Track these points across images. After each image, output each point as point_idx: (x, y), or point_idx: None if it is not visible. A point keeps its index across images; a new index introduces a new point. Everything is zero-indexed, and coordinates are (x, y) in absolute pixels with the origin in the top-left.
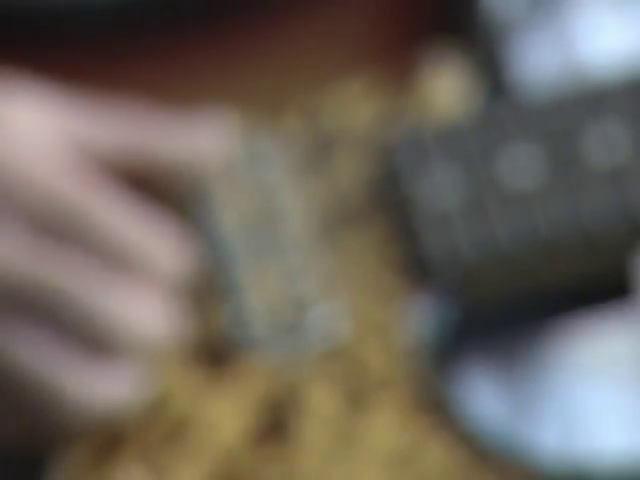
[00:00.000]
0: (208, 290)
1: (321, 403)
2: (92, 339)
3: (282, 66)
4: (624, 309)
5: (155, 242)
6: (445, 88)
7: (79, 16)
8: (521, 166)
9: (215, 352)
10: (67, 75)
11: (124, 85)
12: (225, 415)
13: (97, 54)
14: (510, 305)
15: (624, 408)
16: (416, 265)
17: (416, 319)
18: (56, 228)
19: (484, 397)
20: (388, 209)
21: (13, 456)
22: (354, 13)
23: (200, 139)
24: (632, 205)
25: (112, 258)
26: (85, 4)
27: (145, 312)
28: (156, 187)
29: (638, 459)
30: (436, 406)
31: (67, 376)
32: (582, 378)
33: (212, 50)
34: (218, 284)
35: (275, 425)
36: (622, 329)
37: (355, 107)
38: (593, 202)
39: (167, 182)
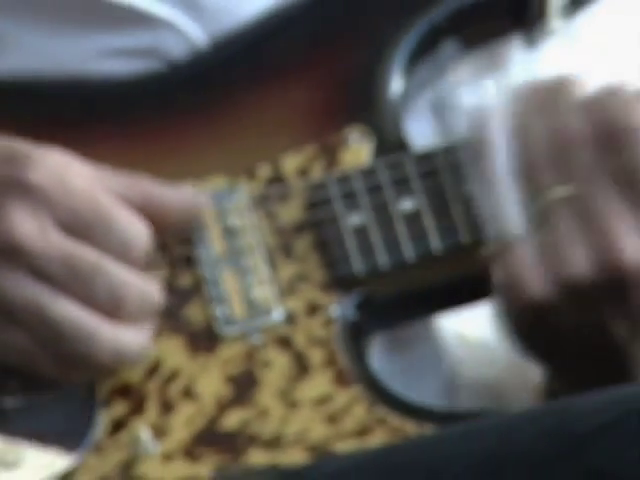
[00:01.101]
0: (199, 287)
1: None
2: (113, 305)
3: (244, 140)
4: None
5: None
6: (355, 152)
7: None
8: (407, 207)
9: (202, 331)
10: (90, 153)
11: (138, 151)
12: (205, 376)
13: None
14: (405, 298)
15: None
16: (343, 272)
17: (343, 310)
18: (86, 225)
19: (383, 362)
20: (319, 230)
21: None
22: (296, 104)
23: (191, 192)
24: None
25: (124, 247)
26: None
27: (141, 281)
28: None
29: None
30: (353, 368)
31: (94, 326)
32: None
33: (196, 131)
34: (206, 286)
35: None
36: (482, 316)
37: (294, 165)
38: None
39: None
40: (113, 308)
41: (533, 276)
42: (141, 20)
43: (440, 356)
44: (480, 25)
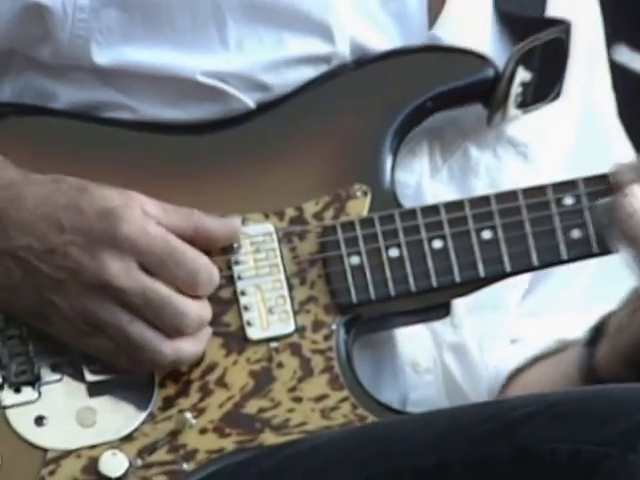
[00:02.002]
0: (235, 299)
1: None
2: (175, 328)
3: (277, 189)
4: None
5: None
6: (358, 204)
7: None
8: (393, 255)
9: (235, 335)
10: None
11: (198, 191)
12: (234, 370)
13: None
14: (382, 317)
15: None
16: (343, 300)
17: (339, 328)
18: (161, 263)
19: (361, 366)
20: (327, 264)
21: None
22: (317, 165)
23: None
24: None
25: (191, 278)
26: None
27: (199, 308)
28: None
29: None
30: (344, 374)
31: (158, 343)
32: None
33: (243, 179)
34: (240, 299)
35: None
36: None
37: (313, 211)
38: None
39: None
40: (176, 330)
41: None
42: (219, 96)
43: (396, 377)
44: (457, 105)
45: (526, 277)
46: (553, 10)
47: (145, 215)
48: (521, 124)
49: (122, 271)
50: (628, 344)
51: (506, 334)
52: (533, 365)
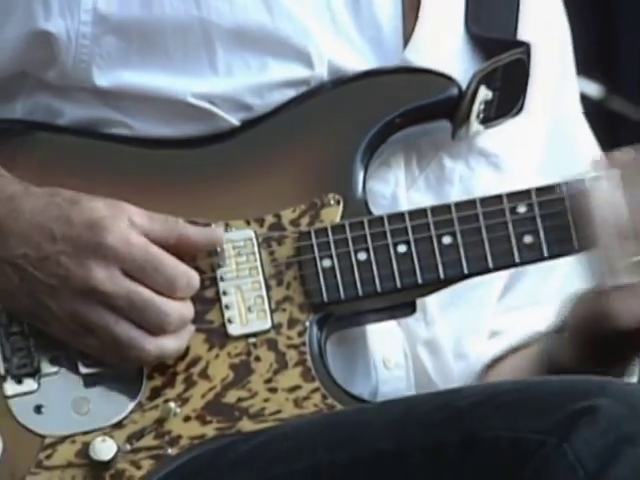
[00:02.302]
0: (217, 298)
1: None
2: (158, 326)
3: (258, 198)
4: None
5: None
6: (331, 212)
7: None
8: (361, 258)
9: (217, 331)
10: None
11: (184, 200)
12: (216, 363)
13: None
14: (352, 315)
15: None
16: (316, 300)
17: (312, 325)
18: (142, 270)
19: (335, 361)
20: (302, 267)
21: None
22: (293, 176)
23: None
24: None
25: (170, 284)
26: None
27: (181, 308)
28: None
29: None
30: (316, 368)
31: (142, 341)
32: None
33: (226, 189)
34: (222, 298)
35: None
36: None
37: (290, 218)
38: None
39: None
40: (159, 328)
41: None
42: (207, 116)
43: (368, 371)
44: (424, 121)
45: (504, 273)
46: (525, 32)
47: (130, 225)
48: (492, 136)
49: (107, 277)
50: (579, 342)
51: (485, 328)
52: (508, 356)
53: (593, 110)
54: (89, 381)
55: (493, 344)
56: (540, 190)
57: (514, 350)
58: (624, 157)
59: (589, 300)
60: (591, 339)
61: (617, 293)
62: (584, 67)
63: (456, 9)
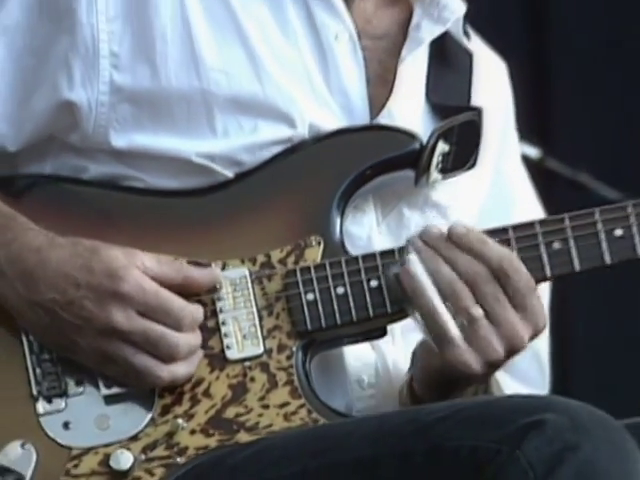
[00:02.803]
0: (218, 328)
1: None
2: (170, 356)
3: (251, 240)
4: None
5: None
6: (313, 252)
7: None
8: (340, 292)
9: (217, 355)
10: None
11: (188, 245)
12: (217, 384)
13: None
14: (332, 339)
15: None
16: (301, 329)
17: (298, 349)
18: (154, 311)
19: (318, 380)
20: (289, 300)
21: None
22: (281, 221)
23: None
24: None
25: (177, 321)
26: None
27: (189, 339)
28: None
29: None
30: (302, 386)
31: (157, 369)
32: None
33: (224, 232)
34: (222, 327)
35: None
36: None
37: (278, 257)
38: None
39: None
40: (170, 357)
41: (465, 357)
42: (208, 171)
43: (345, 390)
44: (391, 171)
45: None
46: (477, 99)
47: (142, 271)
48: (445, 190)
49: (124, 318)
50: (424, 377)
51: None
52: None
53: (532, 169)
54: (109, 401)
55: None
56: (384, 253)
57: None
58: (436, 232)
59: (426, 352)
60: (430, 381)
61: (447, 346)
62: (524, 132)
63: (419, 83)
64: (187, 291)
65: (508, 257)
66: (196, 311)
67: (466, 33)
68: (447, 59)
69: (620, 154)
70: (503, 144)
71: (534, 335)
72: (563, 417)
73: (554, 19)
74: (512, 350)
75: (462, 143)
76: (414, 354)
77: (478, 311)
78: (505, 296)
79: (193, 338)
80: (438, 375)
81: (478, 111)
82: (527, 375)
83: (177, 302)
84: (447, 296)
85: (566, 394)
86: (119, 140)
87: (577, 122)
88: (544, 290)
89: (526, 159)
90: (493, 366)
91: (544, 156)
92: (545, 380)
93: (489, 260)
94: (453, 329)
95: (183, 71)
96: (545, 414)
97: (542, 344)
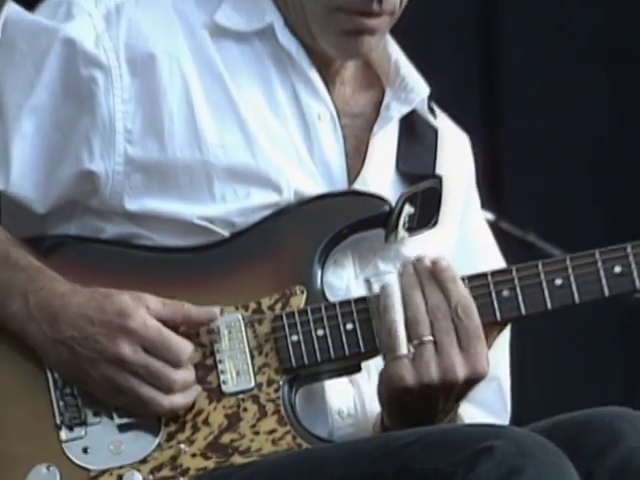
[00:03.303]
0: (215, 365)
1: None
2: (169, 388)
3: (243, 289)
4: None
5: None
6: (297, 299)
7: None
8: (320, 334)
9: (215, 389)
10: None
11: (188, 291)
12: (215, 414)
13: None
14: (314, 374)
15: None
16: (287, 366)
17: (284, 383)
18: (156, 347)
19: (303, 410)
20: (276, 341)
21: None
22: (270, 273)
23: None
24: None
25: (176, 357)
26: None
27: (184, 374)
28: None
29: None
30: (287, 415)
31: (160, 398)
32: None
33: (220, 282)
34: (219, 365)
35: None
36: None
37: (267, 304)
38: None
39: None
40: (169, 389)
41: (403, 372)
42: (207, 232)
43: (326, 420)
44: (365, 230)
45: None
46: (441, 169)
47: (147, 311)
48: (412, 246)
49: (131, 351)
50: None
51: None
52: None
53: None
54: (122, 429)
55: None
56: (357, 300)
57: None
58: (426, 263)
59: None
60: (392, 405)
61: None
62: (481, 199)
63: (390, 154)
64: (188, 327)
65: (467, 303)
66: (191, 349)
67: (432, 111)
68: (414, 133)
69: (562, 217)
70: (466, 205)
71: (471, 376)
72: (511, 443)
73: (509, 101)
74: (445, 381)
75: (425, 206)
76: (378, 392)
77: (429, 339)
78: (455, 334)
79: (187, 373)
80: (396, 405)
81: (439, 179)
82: (493, 407)
83: (176, 339)
84: (410, 320)
85: (520, 421)
86: (132, 204)
87: (526, 191)
88: (504, 337)
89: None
90: (426, 390)
91: (498, 219)
92: (507, 410)
93: (452, 300)
94: (403, 347)
95: (187, 146)
96: (495, 441)
97: (505, 380)
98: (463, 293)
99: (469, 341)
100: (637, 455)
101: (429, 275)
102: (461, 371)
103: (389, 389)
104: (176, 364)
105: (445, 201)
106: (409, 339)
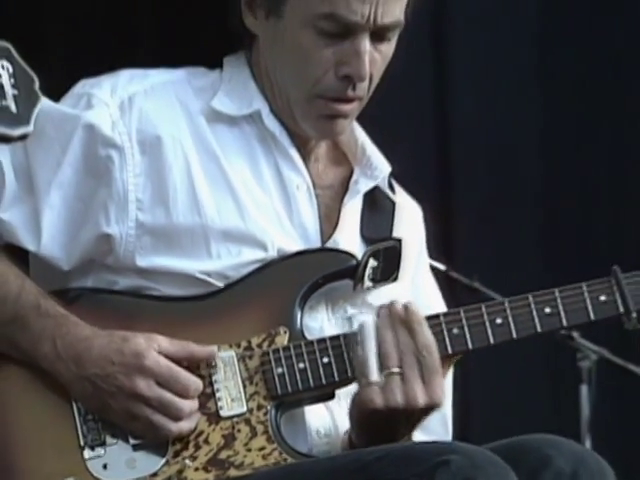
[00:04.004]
0: (213, 393)
1: None
2: (177, 416)
3: (234, 330)
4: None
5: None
6: (282, 338)
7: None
8: (301, 367)
9: (214, 414)
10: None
11: (190, 332)
12: (213, 434)
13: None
14: (299, 400)
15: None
16: (274, 394)
17: (272, 408)
18: (168, 382)
19: (287, 430)
20: (264, 373)
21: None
22: (258, 316)
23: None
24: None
25: (185, 390)
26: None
27: (190, 404)
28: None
29: None
30: (275, 434)
31: (169, 425)
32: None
33: (216, 324)
34: (216, 393)
35: None
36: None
37: (256, 342)
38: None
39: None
40: (177, 417)
41: (373, 396)
42: (206, 284)
43: (306, 438)
44: (336, 281)
45: None
46: (399, 234)
47: (159, 351)
48: (375, 295)
49: (145, 386)
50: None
51: None
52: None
53: (440, 278)
54: (135, 448)
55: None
56: (332, 338)
57: None
58: (398, 308)
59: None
60: (361, 431)
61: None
62: (435, 252)
63: (356, 221)
64: (191, 362)
65: (430, 342)
66: (197, 383)
67: (391, 186)
68: (375, 205)
69: (501, 267)
70: (418, 264)
71: (430, 404)
72: (464, 458)
73: (457, 172)
74: (407, 407)
75: (387, 262)
76: (350, 413)
77: (397, 370)
78: (418, 368)
79: (193, 404)
80: (356, 410)
81: (399, 241)
82: (437, 432)
83: (184, 374)
84: (382, 353)
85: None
86: (142, 262)
87: (472, 246)
88: (449, 372)
89: (436, 270)
90: (391, 413)
91: (449, 269)
92: (449, 434)
93: (418, 339)
94: (374, 375)
95: (188, 212)
96: (451, 455)
97: (448, 409)
98: (427, 334)
99: (430, 375)
100: (564, 476)
101: (400, 317)
102: (421, 399)
103: (360, 410)
104: (184, 396)
105: (402, 261)
106: (380, 369)
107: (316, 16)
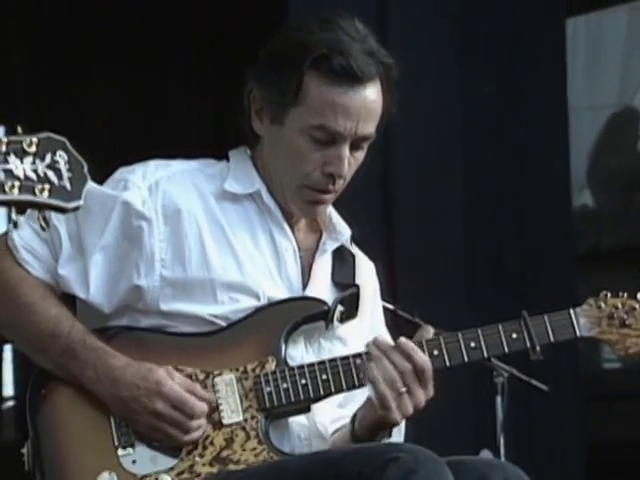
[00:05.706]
0: (218, 407)
1: None
2: (187, 430)
3: (232, 360)
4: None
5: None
6: (271, 364)
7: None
8: (284, 387)
9: (218, 422)
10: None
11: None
12: (217, 438)
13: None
14: (288, 411)
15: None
16: (266, 408)
17: (263, 418)
18: (179, 405)
19: (275, 435)
20: (257, 392)
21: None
22: (251, 349)
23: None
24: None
25: (193, 412)
26: None
27: (198, 423)
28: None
29: None
30: (264, 439)
31: (181, 437)
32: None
33: (218, 354)
34: (220, 407)
35: None
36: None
37: (251, 367)
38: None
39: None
40: (188, 431)
41: (394, 416)
42: (212, 324)
43: (290, 441)
44: (312, 322)
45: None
46: (359, 280)
47: (174, 380)
48: (343, 330)
49: (163, 408)
50: (363, 425)
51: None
52: (339, 431)
53: (390, 316)
54: (157, 449)
55: (338, 424)
56: (309, 365)
57: (341, 428)
58: (383, 341)
59: (366, 410)
60: (367, 426)
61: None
62: (383, 295)
63: (327, 272)
64: (198, 392)
65: (426, 363)
66: (203, 406)
67: (352, 243)
68: (342, 258)
69: (436, 306)
70: (374, 305)
71: (427, 400)
72: (409, 455)
73: (401, 237)
74: (415, 410)
75: (349, 305)
76: (357, 411)
77: (403, 390)
78: (418, 381)
79: (200, 421)
80: (371, 422)
81: (357, 287)
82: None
83: (192, 400)
84: (387, 381)
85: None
86: (164, 306)
87: (412, 291)
88: None
89: (385, 309)
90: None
91: (396, 308)
92: (401, 439)
93: (415, 362)
94: (390, 402)
95: (199, 268)
96: (399, 453)
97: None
98: (421, 357)
99: (427, 382)
100: None
101: (390, 346)
102: (424, 401)
103: (378, 426)
104: (192, 416)
105: (362, 303)
106: (391, 393)
107: (311, 126)
